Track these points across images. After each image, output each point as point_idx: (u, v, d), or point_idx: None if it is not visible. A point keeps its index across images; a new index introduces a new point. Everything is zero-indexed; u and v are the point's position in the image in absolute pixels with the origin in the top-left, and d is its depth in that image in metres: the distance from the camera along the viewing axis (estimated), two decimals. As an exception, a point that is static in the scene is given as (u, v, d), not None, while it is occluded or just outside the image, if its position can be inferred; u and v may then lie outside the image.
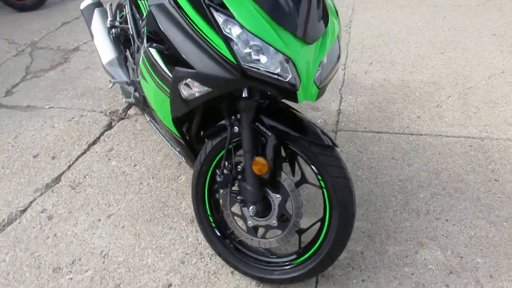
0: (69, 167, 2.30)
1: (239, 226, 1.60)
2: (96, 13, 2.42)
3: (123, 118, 2.67)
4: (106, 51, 2.31)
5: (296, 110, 1.49)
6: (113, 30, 2.40)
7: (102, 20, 2.41)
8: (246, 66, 1.20)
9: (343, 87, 2.83)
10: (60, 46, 3.78)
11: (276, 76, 1.21)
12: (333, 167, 1.41)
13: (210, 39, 1.24)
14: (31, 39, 3.92)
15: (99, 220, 1.95)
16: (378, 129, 2.41)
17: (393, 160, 2.18)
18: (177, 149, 1.81)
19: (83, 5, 2.55)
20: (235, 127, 1.46)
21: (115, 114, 2.72)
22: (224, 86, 1.29)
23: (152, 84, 1.54)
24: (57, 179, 2.22)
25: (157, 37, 1.38)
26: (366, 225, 1.82)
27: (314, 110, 2.61)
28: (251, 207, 1.47)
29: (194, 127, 1.63)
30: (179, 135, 1.65)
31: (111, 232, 1.89)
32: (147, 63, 1.54)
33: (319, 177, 1.43)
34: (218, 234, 1.65)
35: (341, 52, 1.46)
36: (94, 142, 2.47)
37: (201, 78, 1.30)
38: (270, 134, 1.41)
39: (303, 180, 1.53)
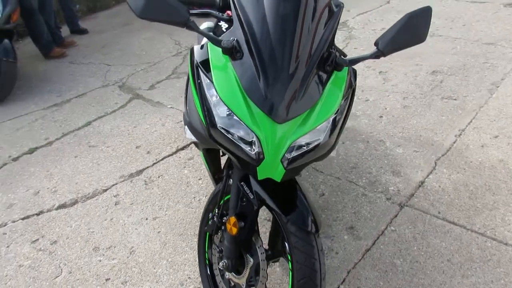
0: (153, 164, 2.66)
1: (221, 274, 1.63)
2: None
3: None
4: None
5: (296, 180, 1.43)
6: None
7: None
8: (216, 129, 1.23)
9: (444, 157, 2.46)
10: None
11: (241, 147, 1.21)
12: (302, 253, 1.32)
13: (194, 96, 1.32)
14: (191, 43, 4.54)
15: (146, 219, 2.23)
16: (454, 219, 2.04)
17: (448, 262, 1.83)
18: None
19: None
20: (230, 180, 1.49)
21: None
22: (202, 141, 1.34)
23: None
24: (140, 172, 2.60)
25: None
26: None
27: (393, 174, 2.36)
28: (223, 260, 1.49)
29: (212, 167, 1.72)
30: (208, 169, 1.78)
31: (147, 233, 2.14)
32: None
33: (289, 257, 1.36)
34: (208, 273, 1.71)
35: (335, 135, 1.31)
36: (182, 148, 2.79)
37: (190, 128, 1.39)
38: (252, 197, 1.40)
39: (279, 253, 1.47)
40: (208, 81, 1.25)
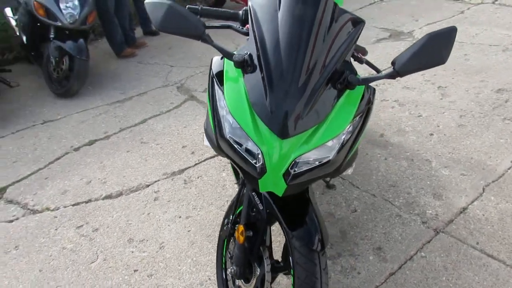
0: (195, 164, 2.77)
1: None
2: None
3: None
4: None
5: (309, 195, 1.42)
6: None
7: None
8: (224, 140, 1.27)
9: (494, 183, 2.27)
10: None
11: (246, 158, 1.23)
12: (303, 269, 1.32)
13: (208, 105, 1.36)
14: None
15: (179, 217, 2.33)
16: (493, 252, 1.88)
17: (478, 297, 1.70)
18: None
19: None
20: (245, 188, 1.52)
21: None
22: (215, 149, 1.39)
23: None
24: (182, 171, 2.72)
25: None
26: None
27: (434, 197, 2.23)
28: (233, 267, 1.52)
29: (237, 173, 1.76)
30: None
31: (178, 231, 2.24)
32: None
33: (292, 272, 1.36)
34: (224, 277, 1.76)
35: (344, 154, 1.28)
36: (225, 151, 2.86)
37: (207, 135, 1.45)
38: (261, 208, 1.42)
39: (287, 266, 1.46)
40: (220, 92, 1.30)
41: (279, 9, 1.26)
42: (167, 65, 4.49)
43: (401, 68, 1.19)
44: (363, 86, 1.30)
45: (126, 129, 3.31)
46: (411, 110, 3.03)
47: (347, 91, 1.26)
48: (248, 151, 1.23)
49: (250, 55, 1.25)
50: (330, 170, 1.28)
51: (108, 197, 2.57)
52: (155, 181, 2.65)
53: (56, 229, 2.36)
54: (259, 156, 1.21)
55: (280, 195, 1.26)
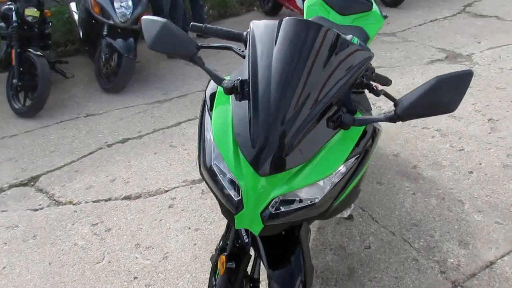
0: (216, 175, 2.73)
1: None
2: None
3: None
4: None
5: (298, 233, 1.33)
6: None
7: None
8: (205, 168, 1.21)
9: (532, 239, 2.01)
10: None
11: (223, 191, 1.17)
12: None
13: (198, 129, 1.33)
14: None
15: (189, 228, 2.31)
16: (516, 318, 1.66)
17: None
18: None
19: None
20: None
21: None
22: (201, 174, 1.34)
23: None
24: (201, 180, 2.70)
25: None
26: None
27: (459, 244, 2.02)
28: None
29: None
30: None
31: (184, 242, 2.22)
32: None
33: None
34: None
35: (332, 197, 1.18)
36: (248, 165, 2.80)
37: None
38: (246, 240, 1.35)
39: None
40: (209, 117, 1.25)
41: (276, 35, 1.19)
42: (212, 69, 4.51)
43: (403, 112, 1.06)
44: (362, 127, 1.19)
45: (159, 130, 3.37)
46: (453, 143, 2.79)
47: (341, 131, 1.15)
48: (227, 183, 1.16)
49: (242, 82, 1.19)
50: (315, 214, 1.18)
51: (127, 198, 2.61)
52: (174, 187, 2.66)
53: (73, 224, 2.43)
54: (237, 191, 1.14)
55: (257, 234, 1.18)
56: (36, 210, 2.58)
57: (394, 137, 2.91)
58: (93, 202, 2.61)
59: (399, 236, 2.12)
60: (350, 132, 1.17)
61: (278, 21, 1.24)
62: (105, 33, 4.03)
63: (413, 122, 3.03)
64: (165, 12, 4.73)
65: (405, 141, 2.86)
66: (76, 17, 4.77)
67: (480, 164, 2.57)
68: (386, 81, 1.50)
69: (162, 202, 2.54)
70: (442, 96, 1.05)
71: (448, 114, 3.06)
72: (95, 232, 2.35)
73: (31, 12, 3.77)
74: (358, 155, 1.19)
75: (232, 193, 1.15)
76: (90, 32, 4.26)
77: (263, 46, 1.19)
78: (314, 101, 1.11)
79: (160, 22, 1.24)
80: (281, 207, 1.13)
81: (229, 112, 1.20)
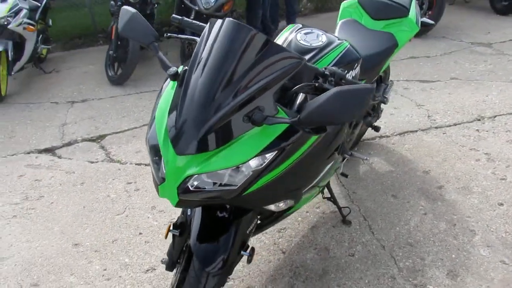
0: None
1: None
2: None
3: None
4: None
5: (240, 218, 1.47)
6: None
7: None
8: (148, 141, 1.39)
9: (535, 288, 1.78)
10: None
11: (153, 163, 1.34)
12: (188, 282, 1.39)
13: None
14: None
15: (200, 202, 2.53)
16: None
17: None
18: None
19: None
20: None
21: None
22: None
23: None
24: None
25: None
26: None
27: (447, 275, 1.89)
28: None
29: None
30: None
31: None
32: None
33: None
34: None
35: (244, 185, 1.27)
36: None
37: None
38: (189, 213, 1.52)
39: None
40: (159, 100, 1.42)
41: (218, 33, 1.30)
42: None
43: (305, 118, 1.11)
44: (284, 125, 1.25)
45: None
46: (497, 170, 2.52)
47: (263, 126, 1.24)
48: (157, 158, 1.33)
49: (185, 71, 1.33)
50: (228, 197, 1.29)
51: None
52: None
53: (113, 179, 2.83)
54: (162, 164, 1.30)
55: (174, 205, 1.34)
56: (92, 162, 3.06)
57: (433, 153, 2.73)
58: (136, 164, 2.99)
59: (388, 251, 2.06)
60: (270, 128, 1.25)
61: (222, 20, 1.35)
62: (192, 18, 4.42)
63: (463, 141, 2.79)
64: (258, 3, 4.96)
65: (443, 159, 2.67)
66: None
67: (517, 197, 2.31)
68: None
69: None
70: (342, 107, 1.07)
71: (507, 139, 2.79)
72: (126, 189, 2.72)
73: (134, -7, 4.33)
74: (276, 152, 1.26)
75: (160, 166, 1.32)
76: (181, 15, 4.69)
77: (208, 42, 1.32)
78: (234, 95, 1.21)
79: (130, 12, 1.45)
80: (193, 185, 1.27)
81: (171, 96, 1.36)
